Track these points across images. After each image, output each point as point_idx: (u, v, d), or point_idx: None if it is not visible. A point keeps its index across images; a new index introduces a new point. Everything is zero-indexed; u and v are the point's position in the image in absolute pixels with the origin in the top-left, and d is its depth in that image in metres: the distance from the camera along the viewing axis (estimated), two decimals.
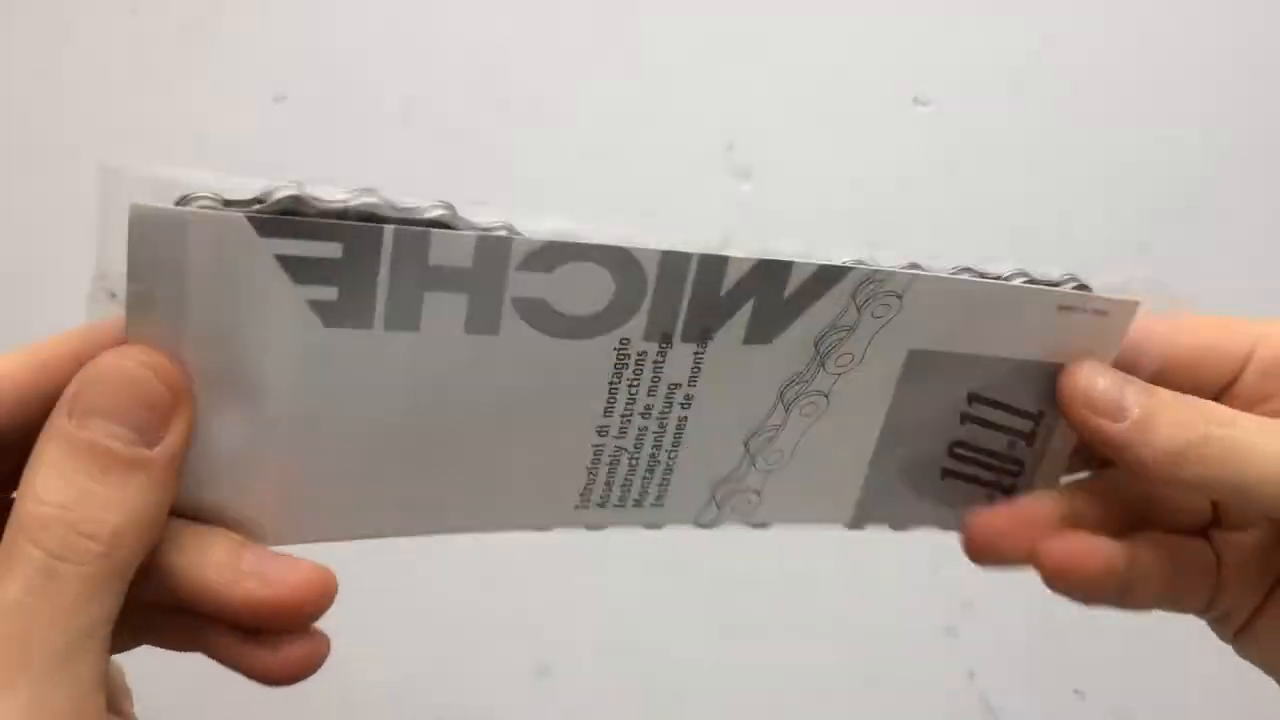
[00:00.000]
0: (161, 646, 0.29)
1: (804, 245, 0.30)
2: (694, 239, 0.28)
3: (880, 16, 0.79)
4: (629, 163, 0.82)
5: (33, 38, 0.88)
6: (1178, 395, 0.32)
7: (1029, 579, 0.36)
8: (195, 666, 0.94)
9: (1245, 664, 0.38)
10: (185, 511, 0.26)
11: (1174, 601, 0.36)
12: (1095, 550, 0.33)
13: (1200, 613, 0.37)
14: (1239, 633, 0.37)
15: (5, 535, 0.23)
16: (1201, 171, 0.77)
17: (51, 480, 0.23)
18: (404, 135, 0.85)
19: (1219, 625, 0.37)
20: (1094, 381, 0.32)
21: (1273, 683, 0.37)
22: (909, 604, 0.80)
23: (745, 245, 0.29)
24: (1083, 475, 0.37)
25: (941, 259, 0.31)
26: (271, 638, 0.27)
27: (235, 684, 0.28)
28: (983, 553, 0.34)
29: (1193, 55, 0.78)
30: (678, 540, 0.89)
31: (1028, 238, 0.77)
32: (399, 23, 0.85)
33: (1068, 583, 0.33)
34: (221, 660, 0.28)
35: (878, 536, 0.83)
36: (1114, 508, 0.35)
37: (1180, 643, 0.83)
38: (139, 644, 0.29)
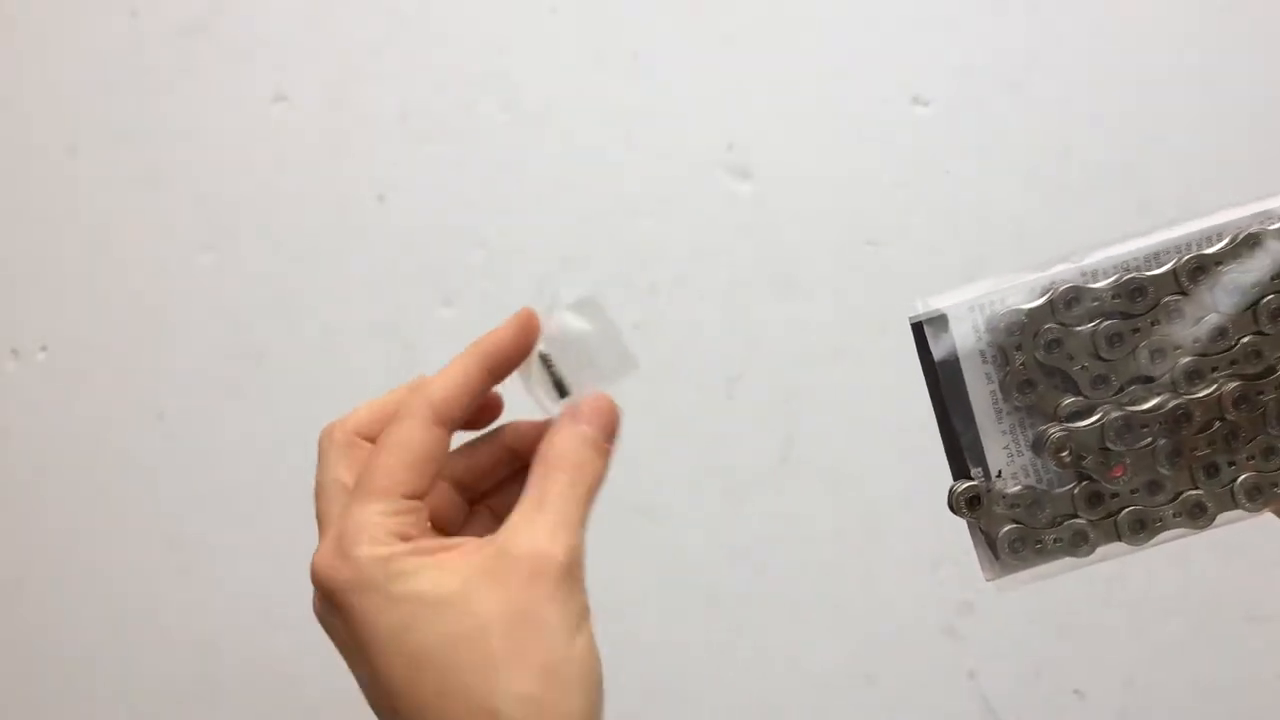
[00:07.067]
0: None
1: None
2: None
3: (880, 17, 0.79)
4: (629, 163, 0.82)
5: (33, 38, 0.88)
6: None
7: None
8: (199, 665, 0.93)
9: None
10: None
11: None
12: None
13: None
14: None
15: None
16: (1200, 173, 0.77)
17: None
18: (404, 135, 0.85)
19: None
20: None
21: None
22: (909, 604, 0.80)
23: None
24: None
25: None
26: None
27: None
28: None
29: (1191, 56, 0.78)
30: (678, 540, 0.89)
31: (1026, 238, 0.77)
32: (399, 23, 0.85)
33: None
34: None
35: (877, 536, 0.83)
36: None
37: (1180, 643, 0.83)
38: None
